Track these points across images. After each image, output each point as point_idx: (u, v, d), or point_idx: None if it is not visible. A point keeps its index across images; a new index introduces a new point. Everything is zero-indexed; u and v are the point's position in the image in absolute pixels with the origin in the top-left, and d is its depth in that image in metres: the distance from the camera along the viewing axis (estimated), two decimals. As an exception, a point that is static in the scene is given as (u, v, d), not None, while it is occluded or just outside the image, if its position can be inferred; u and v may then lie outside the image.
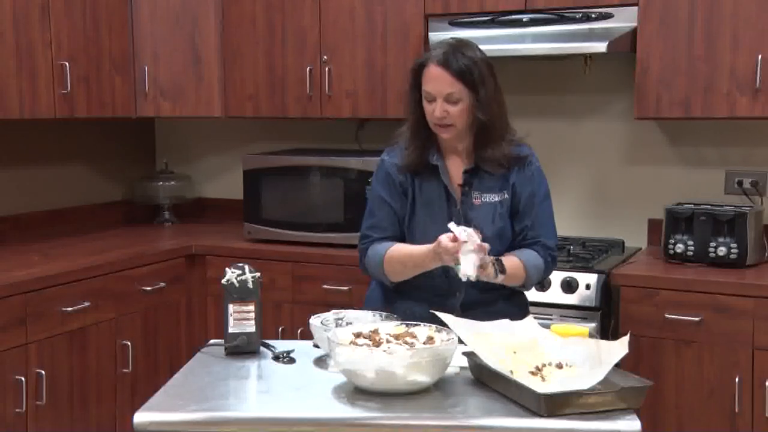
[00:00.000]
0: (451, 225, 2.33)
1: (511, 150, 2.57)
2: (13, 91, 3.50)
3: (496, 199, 2.58)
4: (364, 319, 2.38)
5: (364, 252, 2.63)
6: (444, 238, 2.34)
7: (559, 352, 2.10)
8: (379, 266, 2.57)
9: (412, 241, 2.58)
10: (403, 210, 2.61)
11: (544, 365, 2.03)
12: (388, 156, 2.67)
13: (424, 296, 2.55)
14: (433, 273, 2.51)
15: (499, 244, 2.56)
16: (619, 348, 2.00)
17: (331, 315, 2.41)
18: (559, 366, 2.04)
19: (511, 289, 2.61)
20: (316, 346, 2.38)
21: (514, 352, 2.09)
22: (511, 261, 2.51)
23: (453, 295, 2.56)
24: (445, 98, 2.48)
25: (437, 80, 2.48)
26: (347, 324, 2.33)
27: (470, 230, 2.32)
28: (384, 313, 2.42)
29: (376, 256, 2.58)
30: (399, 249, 2.56)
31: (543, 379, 1.98)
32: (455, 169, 2.60)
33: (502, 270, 2.45)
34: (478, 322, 2.23)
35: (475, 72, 2.49)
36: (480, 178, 2.58)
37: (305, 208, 3.94)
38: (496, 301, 2.59)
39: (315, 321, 2.34)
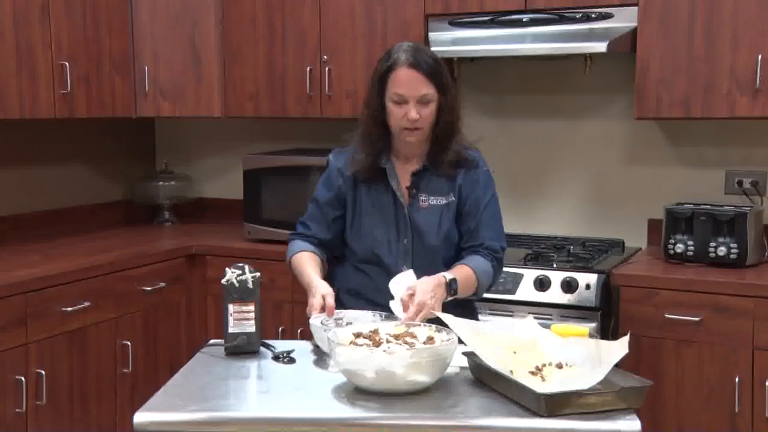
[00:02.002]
0: (404, 275, 2.39)
1: (460, 153, 2.57)
2: (13, 91, 3.50)
3: (443, 201, 2.58)
4: (364, 319, 2.38)
5: (289, 243, 2.71)
6: (316, 302, 2.37)
7: (560, 352, 2.10)
8: (288, 265, 2.66)
9: (360, 245, 2.59)
10: (334, 214, 2.63)
11: (544, 365, 2.03)
12: (335, 158, 2.67)
13: (375, 305, 2.51)
14: (380, 286, 2.49)
15: (446, 247, 2.57)
16: (619, 348, 2.00)
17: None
18: (560, 366, 2.04)
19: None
20: (316, 346, 2.38)
21: (514, 352, 2.09)
22: (462, 272, 2.48)
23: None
24: (418, 100, 2.47)
25: (410, 82, 2.47)
26: (347, 324, 2.33)
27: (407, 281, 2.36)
28: (384, 313, 2.41)
29: (288, 254, 2.67)
30: (301, 261, 2.60)
31: (543, 379, 1.97)
32: (403, 172, 2.59)
33: (455, 291, 2.42)
34: (479, 322, 2.23)
35: (443, 72, 2.50)
36: (428, 180, 2.58)
37: (305, 208, 3.92)
38: (446, 308, 2.50)
39: (315, 321, 2.34)
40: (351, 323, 2.34)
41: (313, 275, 2.51)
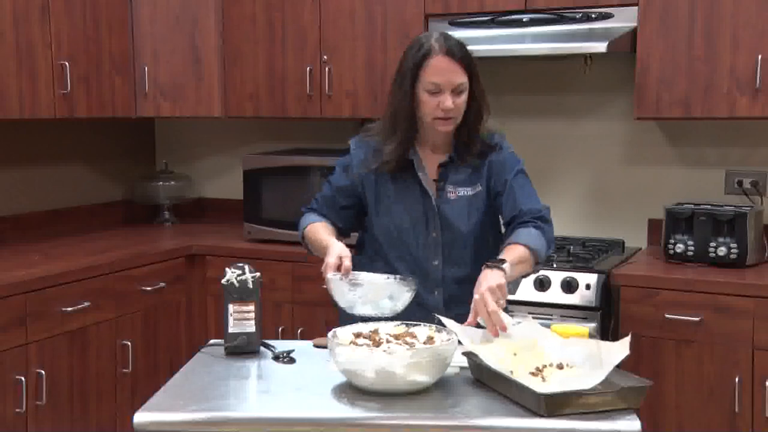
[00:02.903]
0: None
1: (485, 138, 2.55)
2: (13, 91, 3.50)
3: (471, 192, 2.54)
4: (378, 282, 2.34)
5: (300, 216, 2.68)
6: (332, 261, 2.33)
7: (560, 352, 2.09)
8: (301, 237, 2.63)
9: (383, 237, 2.56)
10: (345, 203, 2.61)
11: (544, 366, 2.03)
12: (356, 146, 2.63)
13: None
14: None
15: (475, 238, 2.53)
16: (620, 349, 2.00)
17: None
18: (560, 366, 2.04)
19: None
20: (334, 304, 2.37)
21: (515, 354, 2.09)
22: (510, 252, 2.37)
23: (431, 293, 2.53)
24: (453, 89, 2.42)
25: (447, 71, 2.42)
26: (358, 286, 2.30)
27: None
28: (398, 277, 2.38)
29: (300, 225, 2.63)
30: (315, 229, 2.57)
31: (543, 379, 1.97)
32: (430, 163, 2.55)
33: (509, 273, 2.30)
34: (481, 329, 2.20)
35: (474, 61, 2.47)
36: (455, 171, 2.54)
37: (305, 208, 3.94)
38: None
39: (333, 276, 2.31)
40: (362, 285, 2.31)
41: (329, 238, 2.48)
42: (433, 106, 2.44)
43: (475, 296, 2.20)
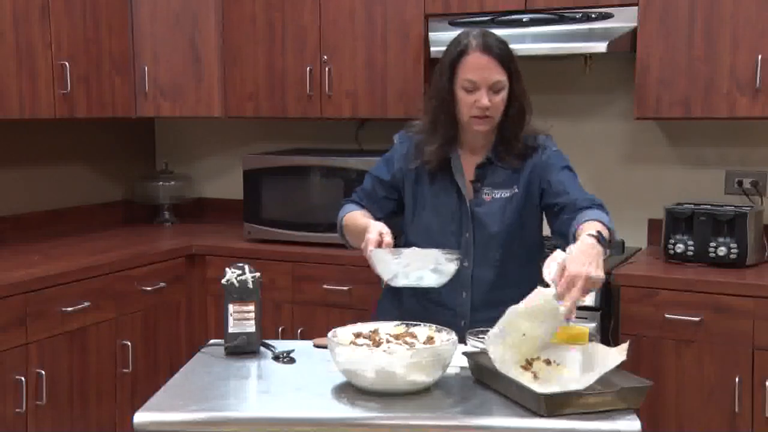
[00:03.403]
0: (553, 258, 2.09)
1: (529, 140, 2.50)
2: (13, 91, 3.50)
3: (507, 194, 2.49)
4: (425, 257, 2.25)
5: (340, 208, 2.64)
6: (373, 237, 2.28)
7: (553, 349, 2.07)
8: (341, 226, 2.59)
9: (416, 238, 2.53)
10: (384, 194, 2.59)
11: (534, 359, 2.03)
12: (400, 141, 2.60)
13: (432, 296, 2.48)
14: None
15: (508, 239, 2.49)
16: (616, 356, 1.99)
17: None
18: (548, 362, 2.03)
19: (525, 292, 2.54)
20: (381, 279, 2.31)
21: (524, 335, 2.01)
22: (593, 225, 2.21)
23: (459, 295, 2.51)
24: (489, 87, 2.39)
25: (484, 68, 2.38)
26: (401, 255, 2.25)
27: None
28: (445, 251, 2.28)
29: (339, 215, 2.60)
30: (354, 216, 2.54)
31: (535, 376, 1.98)
32: (468, 164, 2.51)
33: (607, 242, 2.16)
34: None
35: (514, 59, 2.43)
36: (492, 172, 2.50)
37: (305, 208, 3.94)
38: (506, 302, 2.49)
39: (377, 250, 2.26)
40: (408, 264, 2.24)
41: (368, 220, 2.45)
42: (470, 104, 2.40)
43: (575, 269, 2.01)
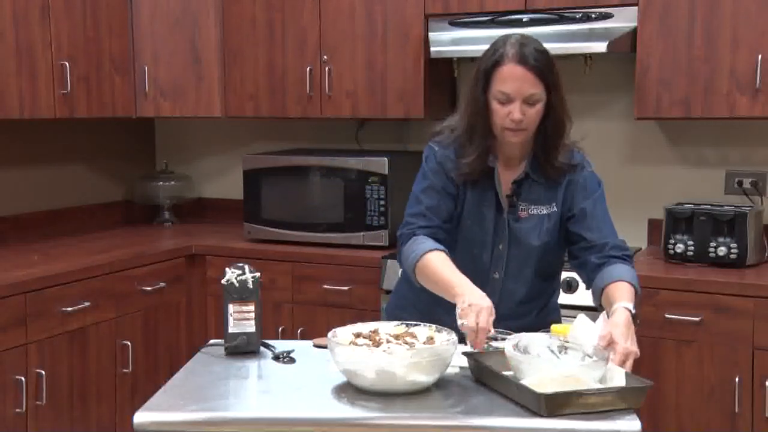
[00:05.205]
0: (580, 322, 2.14)
1: (567, 156, 2.40)
2: (13, 91, 3.50)
3: (545, 212, 2.41)
4: (540, 342, 2.12)
5: (406, 239, 2.41)
6: (470, 325, 2.12)
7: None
8: (411, 268, 2.36)
9: (454, 247, 2.42)
10: (452, 195, 2.41)
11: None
12: (441, 152, 2.42)
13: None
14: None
15: (542, 256, 2.43)
16: (618, 377, 1.98)
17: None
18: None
19: (545, 302, 2.51)
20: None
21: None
22: (628, 293, 2.25)
23: None
24: (524, 100, 2.27)
25: (518, 80, 2.26)
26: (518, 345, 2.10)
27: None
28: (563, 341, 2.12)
29: (412, 254, 2.35)
30: (435, 264, 2.31)
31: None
32: (505, 177, 2.41)
33: (638, 321, 2.22)
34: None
35: (553, 69, 2.31)
36: (529, 187, 2.40)
37: (305, 208, 3.94)
38: (530, 313, 2.46)
39: (509, 347, 2.05)
40: (527, 345, 2.10)
41: (462, 278, 2.25)
42: (503, 116, 2.29)
43: (628, 347, 2.07)
